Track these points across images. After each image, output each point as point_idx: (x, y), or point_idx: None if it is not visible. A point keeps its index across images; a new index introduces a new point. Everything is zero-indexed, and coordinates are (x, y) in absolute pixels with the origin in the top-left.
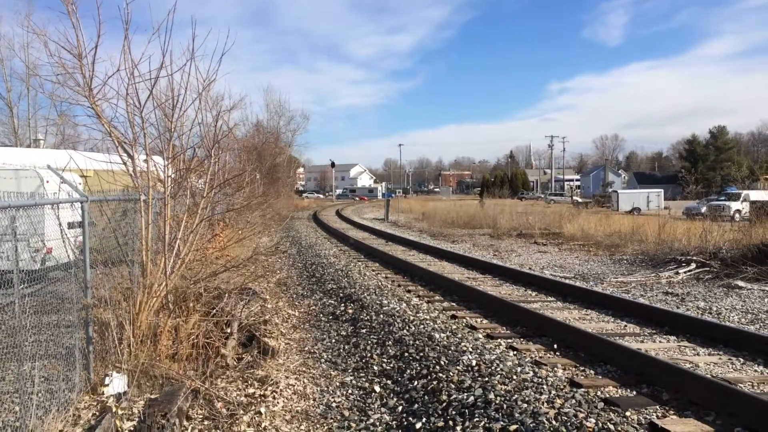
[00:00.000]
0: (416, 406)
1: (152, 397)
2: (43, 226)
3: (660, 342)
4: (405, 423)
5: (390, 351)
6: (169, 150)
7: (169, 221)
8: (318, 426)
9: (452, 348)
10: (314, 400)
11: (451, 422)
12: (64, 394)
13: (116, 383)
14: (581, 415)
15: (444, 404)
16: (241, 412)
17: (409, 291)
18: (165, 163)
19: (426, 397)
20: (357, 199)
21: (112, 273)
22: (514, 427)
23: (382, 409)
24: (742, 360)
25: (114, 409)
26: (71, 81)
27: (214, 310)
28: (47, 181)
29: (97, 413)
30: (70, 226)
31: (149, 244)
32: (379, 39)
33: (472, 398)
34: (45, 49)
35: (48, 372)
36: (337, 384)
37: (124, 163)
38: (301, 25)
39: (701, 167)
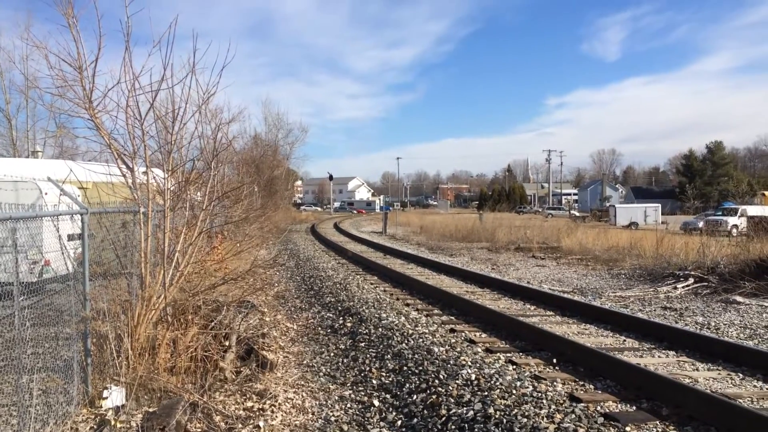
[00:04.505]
0: (415, 420)
1: (150, 410)
2: (41, 238)
3: (659, 357)
4: None
5: (389, 365)
6: (169, 162)
7: (168, 234)
8: None
9: (451, 362)
10: (313, 413)
11: None
12: (62, 407)
13: (114, 396)
14: (581, 430)
15: (443, 419)
16: (240, 425)
17: (407, 304)
18: (164, 176)
19: (425, 412)
20: (355, 212)
21: (110, 285)
22: None
23: (381, 423)
24: (741, 375)
25: (112, 423)
26: (71, 93)
27: (213, 323)
28: (46, 193)
29: (95, 426)
30: (70, 238)
31: (148, 257)
32: (379, 53)
33: (471, 412)
34: (45, 62)
35: (46, 385)
36: (336, 398)
37: (124, 176)
38: (300, 39)
39: (698, 182)
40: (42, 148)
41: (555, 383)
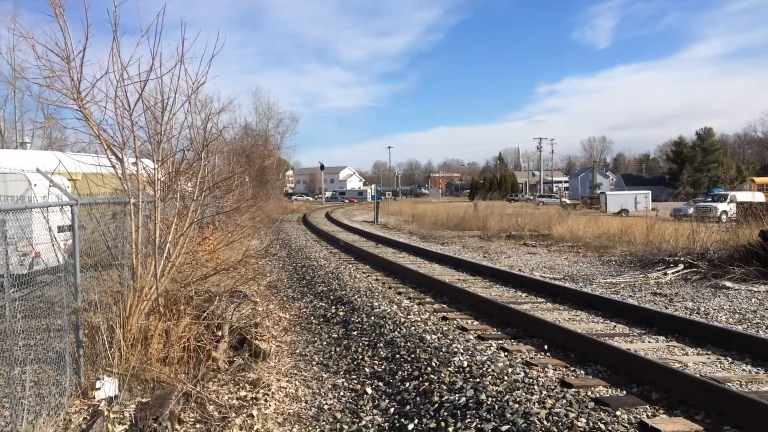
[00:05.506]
0: (408, 407)
1: (144, 400)
2: (30, 230)
3: (649, 342)
4: (397, 424)
5: (381, 353)
6: (159, 153)
7: (158, 224)
8: (310, 428)
9: (443, 349)
10: (306, 402)
11: (443, 423)
12: (55, 399)
13: (107, 387)
14: (572, 415)
15: (436, 405)
16: (233, 415)
17: (399, 293)
18: (155, 166)
19: (418, 399)
20: (347, 201)
21: (101, 276)
22: (505, 427)
23: (374, 411)
24: (730, 359)
25: (105, 413)
26: (59, 83)
27: (205, 313)
28: (35, 185)
29: (88, 417)
30: (60, 229)
31: (139, 248)
32: (369, 41)
33: (463, 399)
34: (32, 52)
35: (38, 376)
36: (329, 386)
37: (113, 167)
38: (290, 28)
39: (688, 169)
40: (30, 139)
41: (546, 369)
